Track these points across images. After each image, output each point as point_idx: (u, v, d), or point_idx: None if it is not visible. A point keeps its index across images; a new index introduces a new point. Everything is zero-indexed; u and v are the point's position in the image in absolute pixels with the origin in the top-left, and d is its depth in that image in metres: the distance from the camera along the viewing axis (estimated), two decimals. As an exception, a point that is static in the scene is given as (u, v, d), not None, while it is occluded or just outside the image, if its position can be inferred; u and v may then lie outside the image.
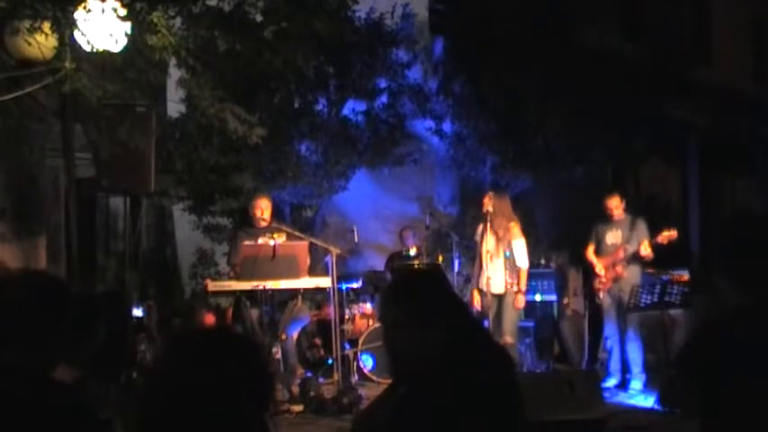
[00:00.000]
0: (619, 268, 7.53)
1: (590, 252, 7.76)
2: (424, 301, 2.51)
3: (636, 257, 7.48)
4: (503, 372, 2.53)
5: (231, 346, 1.69)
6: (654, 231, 7.57)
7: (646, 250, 7.41)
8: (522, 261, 7.31)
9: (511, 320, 7.22)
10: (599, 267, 7.64)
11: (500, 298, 7.23)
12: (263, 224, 7.12)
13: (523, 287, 7.31)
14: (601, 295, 7.68)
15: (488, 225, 7.33)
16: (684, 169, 13.89)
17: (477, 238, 7.48)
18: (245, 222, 7.60)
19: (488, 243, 7.31)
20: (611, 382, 7.59)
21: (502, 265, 7.21)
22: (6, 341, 2.08)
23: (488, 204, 7.34)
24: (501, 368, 2.53)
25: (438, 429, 2.34)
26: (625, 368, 7.61)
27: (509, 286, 7.19)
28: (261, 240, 6.85)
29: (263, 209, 7.13)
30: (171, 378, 1.63)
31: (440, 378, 2.39)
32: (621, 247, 7.54)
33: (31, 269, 2.35)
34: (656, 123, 10.84)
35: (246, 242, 6.88)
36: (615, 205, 7.63)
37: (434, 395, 2.36)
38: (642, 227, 7.60)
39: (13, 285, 2.16)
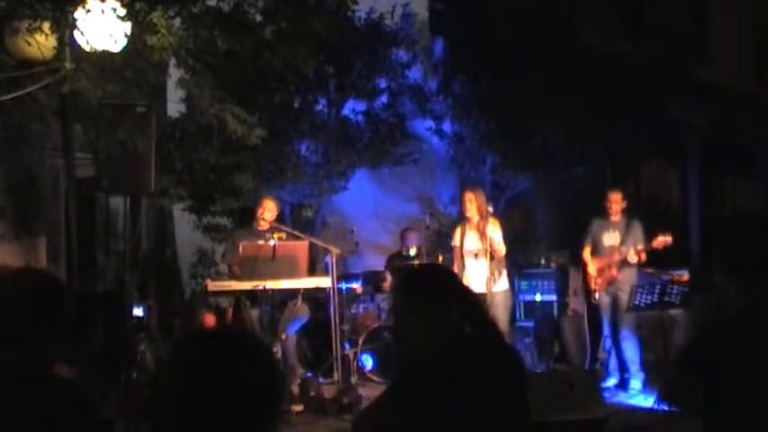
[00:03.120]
0: (613, 271, 7.54)
1: (587, 253, 7.77)
2: (433, 293, 2.50)
3: (625, 262, 7.49)
4: (509, 370, 2.51)
5: (241, 347, 1.68)
6: (652, 232, 7.58)
7: (632, 258, 7.42)
8: (501, 249, 7.34)
9: (503, 321, 7.21)
10: (591, 268, 7.66)
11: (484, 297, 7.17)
12: (264, 225, 7.13)
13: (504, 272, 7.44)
14: (597, 295, 7.69)
15: (469, 226, 7.40)
16: (684, 169, 13.88)
17: (456, 241, 7.51)
18: (245, 222, 7.59)
19: (471, 243, 7.37)
20: (612, 381, 7.60)
21: (486, 263, 7.21)
22: (5, 340, 2.08)
23: (472, 206, 7.37)
24: (508, 366, 2.51)
25: (437, 423, 2.33)
26: (623, 368, 7.63)
27: (493, 281, 7.19)
28: (258, 241, 6.86)
29: (268, 210, 7.14)
30: (181, 380, 1.62)
31: (443, 370, 2.38)
32: (617, 249, 7.55)
33: (27, 268, 2.34)
34: (656, 123, 10.83)
35: (245, 242, 6.89)
36: (615, 200, 7.62)
37: (436, 387, 2.35)
38: (637, 229, 7.60)
39: (10, 284, 2.16)
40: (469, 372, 2.40)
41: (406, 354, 2.56)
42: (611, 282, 7.56)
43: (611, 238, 7.64)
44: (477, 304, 2.60)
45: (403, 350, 2.60)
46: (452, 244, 7.66)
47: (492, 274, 7.21)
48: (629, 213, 7.80)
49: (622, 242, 7.55)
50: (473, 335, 2.48)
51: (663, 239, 7.40)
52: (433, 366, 2.40)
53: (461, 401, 2.34)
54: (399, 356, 2.54)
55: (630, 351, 7.51)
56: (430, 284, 2.56)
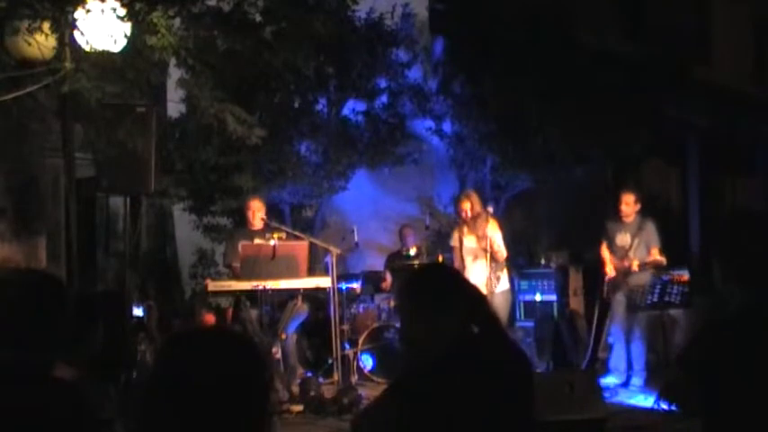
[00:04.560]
0: (622, 277, 7.57)
1: (604, 249, 7.78)
2: (437, 292, 2.48)
3: (629, 271, 7.50)
4: (516, 370, 2.48)
5: (228, 343, 1.68)
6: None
7: (635, 269, 7.44)
8: (502, 252, 7.39)
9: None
10: (609, 269, 7.66)
11: None
12: (259, 225, 7.15)
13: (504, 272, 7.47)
14: (607, 294, 7.70)
15: (467, 228, 7.40)
16: (684, 169, 13.88)
17: (456, 242, 7.53)
18: (244, 222, 7.61)
19: (470, 244, 7.40)
20: (612, 379, 7.61)
21: (485, 264, 7.23)
22: (4, 340, 2.07)
23: (468, 209, 7.38)
24: (514, 366, 2.49)
25: (438, 424, 2.32)
26: (628, 365, 7.64)
27: (493, 283, 7.22)
28: (257, 241, 6.88)
29: (254, 210, 7.18)
30: (169, 376, 1.62)
31: (446, 371, 2.37)
32: (626, 255, 7.56)
33: (27, 268, 2.33)
34: (656, 123, 10.83)
35: (243, 242, 6.90)
36: (627, 202, 7.63)
37: (437, 387, 2.34)
38: (650, 230, 7.59)
39: (10, 284, 2.15)
40: (473, 372, 2.38)
41: (411, 354, 2.55)
42: (621, 285, 7.57)
43: (622, 239, 7.66)
44: (482, 303, 2.56)
45: (408, 351, 2.58)
46: (452, 244, 7.70)
47: (492, 275, 7.23)
48: (642, 214, 7.80)
49: (631, 244, 7.56)
50: (478, 334, 2.46)
51: (659, 259, 7.45)
52: (436, 367, 2.39)
53: (463, 402, 2.33)
54: (403, 356, 2.53)
55: (637, 350, 7.55)
56: (433, 284, 2.54)
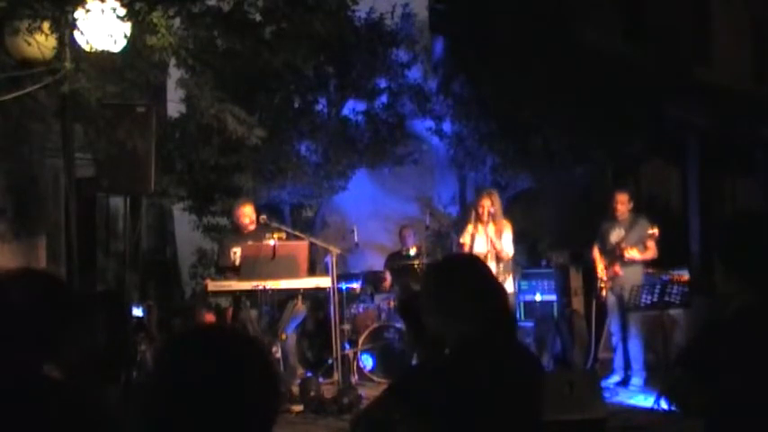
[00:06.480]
0: (616, 267, 7.56)
1: (595, 251, 7.79)
2: (453, 288, 2.44)
3: (621, 257, 7.51)
4: (521, 371, 2.45)
5: (230, 342, 1.68)
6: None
7: (631, 254, 7.43)
8: (510, 251, 7.45)
9: None
10: (600, 268, 7.68)
11: None
12: (251, 228, 7.15)
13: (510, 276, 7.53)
14: (604, 293, 7.71)
15: (483, 226, 7.37)
16: (684, 169, 13.86)
17: (467, 239, 7.47)
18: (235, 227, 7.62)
19: (480, 245, 7.37)
20: (615, 378, 7.62)
21: (494, 266, 7.22)
22: (5, 341, 2.07)
23: (490, 206, 7.37)
24: (520, 367, 2.46)
25: (440, 423, 2.31)
26: (627, 365, 7.65)
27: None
28: (250, 242, 6.90)
29: (246, 215, 7.17)
30: (169, 376, 1.62)
31: (447, 371, 2.35)
32: (618, 245, 7.58)
33: (30, 269, 2.33)
34: (655, 123, 10.83)
35: (235, 246, 6.92)
36: (622, 201, 7.68)
37: (439, 387, 2.33)
38: (644, 225, 7.62)
39: (11, 285, 2.15)
40: (475, 372, 2.36)
41: (420, 354, 2.53)
42: (614, 278, 7.58)
43: (616, 236, 7.68)
44: (496, 299, 2.49)
45: (417, 349, 2.56)
46: (461, 241, 7.59)
47: (499, 276, 7.22)
48: (637, 212, 7.83)
49: (625, 237, 7.58)
50: (487, 333, 2.41)
51: (651, 232, 7.46)
52: (437, 367, 2.38)
53: (464, 403, 2.32)
54: (422, 348, 2.47)
55: (635, 350, 7.55)
56: (452, 277, 2.49)
